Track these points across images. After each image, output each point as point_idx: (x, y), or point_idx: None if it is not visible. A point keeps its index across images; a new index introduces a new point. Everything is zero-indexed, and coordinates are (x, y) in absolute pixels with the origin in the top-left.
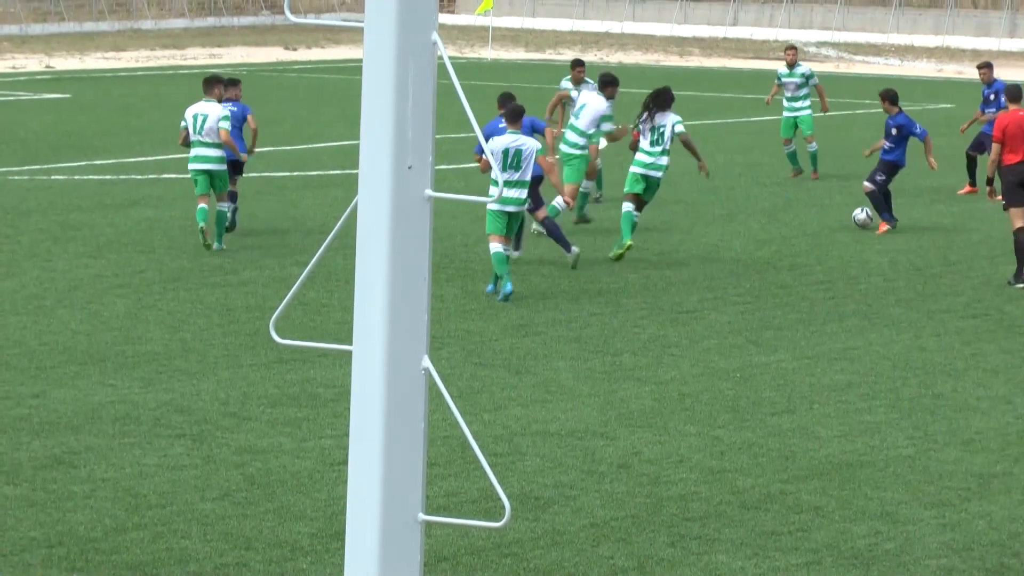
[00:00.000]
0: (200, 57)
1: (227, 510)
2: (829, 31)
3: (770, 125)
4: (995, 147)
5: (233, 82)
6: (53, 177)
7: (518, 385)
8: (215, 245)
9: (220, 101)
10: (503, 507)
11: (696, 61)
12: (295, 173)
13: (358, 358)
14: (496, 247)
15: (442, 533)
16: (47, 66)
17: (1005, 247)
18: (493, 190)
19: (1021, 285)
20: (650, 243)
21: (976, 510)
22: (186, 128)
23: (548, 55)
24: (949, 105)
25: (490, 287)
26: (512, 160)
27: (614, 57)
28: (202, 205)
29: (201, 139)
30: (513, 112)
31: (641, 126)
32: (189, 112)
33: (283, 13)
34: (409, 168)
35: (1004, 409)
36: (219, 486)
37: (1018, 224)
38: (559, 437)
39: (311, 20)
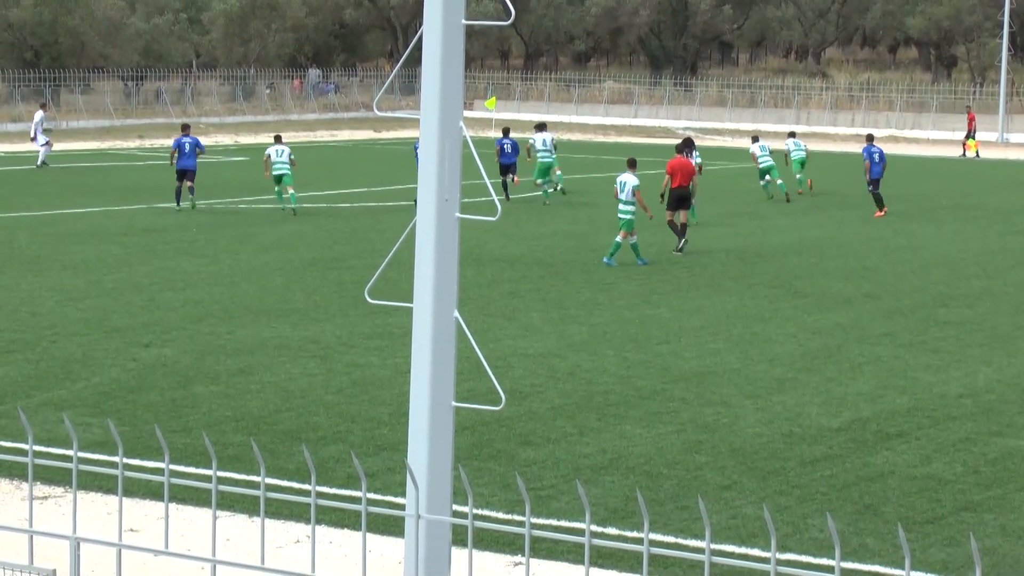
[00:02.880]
0: (324, 136)
1: (340, 399)
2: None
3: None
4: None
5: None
6: (240, 205)
7: (508, 327)
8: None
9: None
10: (500, 397)
11: (613, 138)
12: (381, 204)
13: (417, 311)
14: (619, 239)
15: (465, 413)
16: (235, 141)
17: (799, 246)
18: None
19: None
20: (588, 243)
21: (777, 400)
22: (268, 156)
23: (527, 134)
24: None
25: (606, 259)
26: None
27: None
28: (286, 190)
29: (280, 160)
30: (629, 162)
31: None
32: (271, 149)
33: (372, 110)
34: (446, 200)
35: (792, 341)
36: (335, 385)
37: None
38: (532, 357)
39: (388, 114)
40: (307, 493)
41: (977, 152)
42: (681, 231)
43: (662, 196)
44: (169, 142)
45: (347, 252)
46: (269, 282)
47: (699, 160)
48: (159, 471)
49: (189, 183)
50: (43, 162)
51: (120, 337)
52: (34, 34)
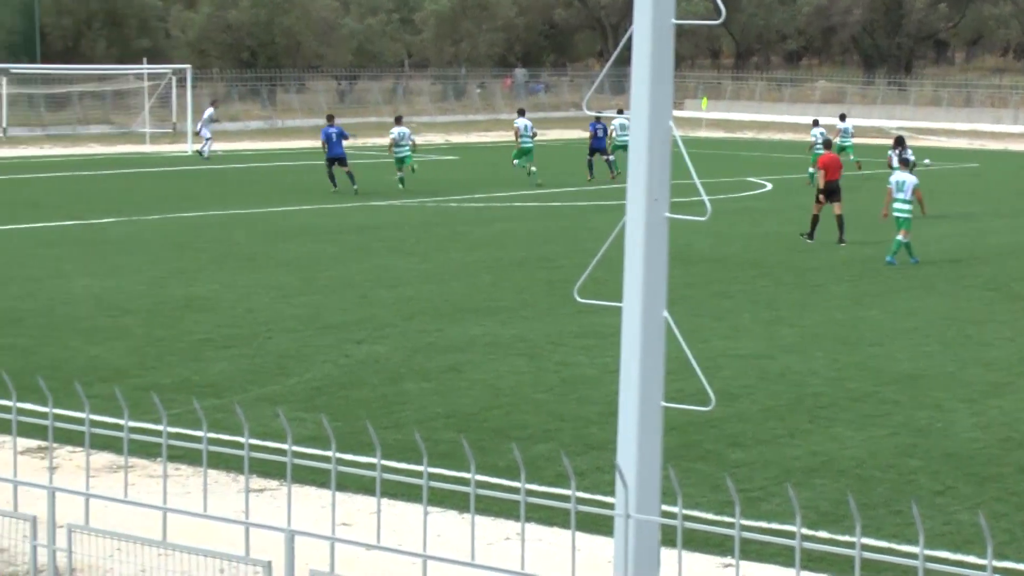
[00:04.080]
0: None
1: (549, 398)
2: None
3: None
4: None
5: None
6: (450, 204)
7: (717, 328)
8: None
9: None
10: (710, 398)
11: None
12: (590, 203)
13: (626, 310)
14: (900, 237)
15: (674, 413)
16: (446, 140)
17: (1017, 248)
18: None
19: None
20: (799, 244)
21: (993, 404)
22: (393, 139)
23: (736, 134)
24: None
25: (889, 258)
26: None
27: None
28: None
29: (400, 143)
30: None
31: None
32: (394, 130)
33: (582, 110)
34: (655, 200)
35: (1009, 345)
36: (544, 384)
37: None
38: (742, 358)
39: (598, 113)
40: (517, 491)
41: None
42: (838, 223)
43: (818, 192)
44: (383, 141)
45: (556, 251)
46: (478, 280)
47: (912, 158)
48: (371, 466)
49: (345, 169)
50: (205, 155)
51: (333, 334)
52: (251, 35)
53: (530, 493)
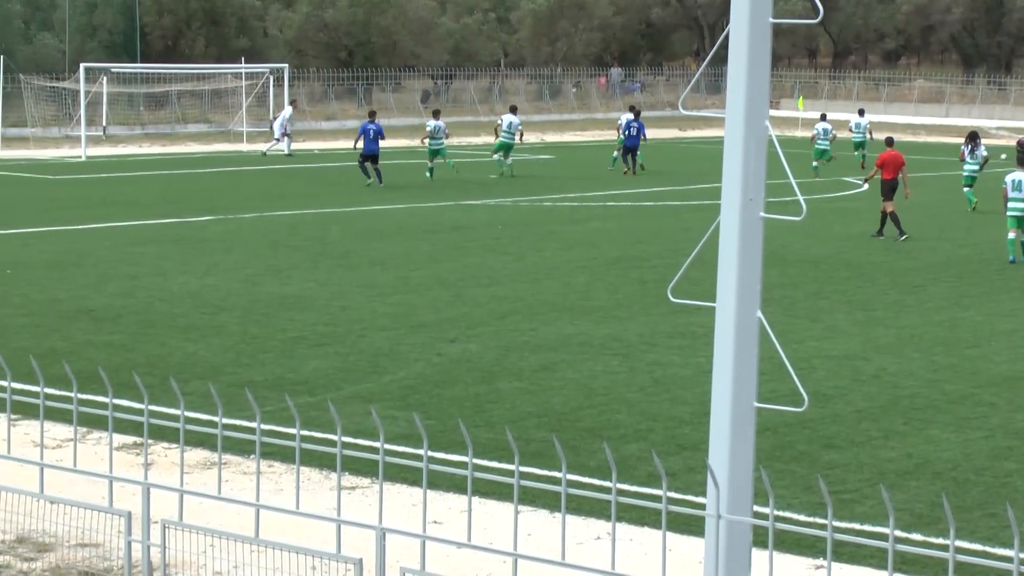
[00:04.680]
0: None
1: (641, 398)
2: None
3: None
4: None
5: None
6: (544, 203)
7: (812, 328)
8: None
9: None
10: (803, 399)
11: (923, 138)
12: (685, 203)
13: (720, 310)
14: (1011, 235)
15: (767, 414)
16: (541, 139)
17: None
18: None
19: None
20: (896, 244)
21: None
22: (429, 132)
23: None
24: None
25: (1011, 258)
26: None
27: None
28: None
29: (436, 136)
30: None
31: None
32: (430, 123)
33: (678, 109)
34: (750, 200)
35: None
36: (637, 383)
37: None
38: (836, 359)
39: (693, 113)
40: (608, 490)
41: None
42: (894, 219)
43: (865, 180)
44: (476, 140)
45: (650, 251)
46: (572, 279)
47: (986, 154)
48: (463, 465)
49: (374, 166)
50: (270, 152)
51: (426, 332)
52: (348, 34)
53: (621, 493)
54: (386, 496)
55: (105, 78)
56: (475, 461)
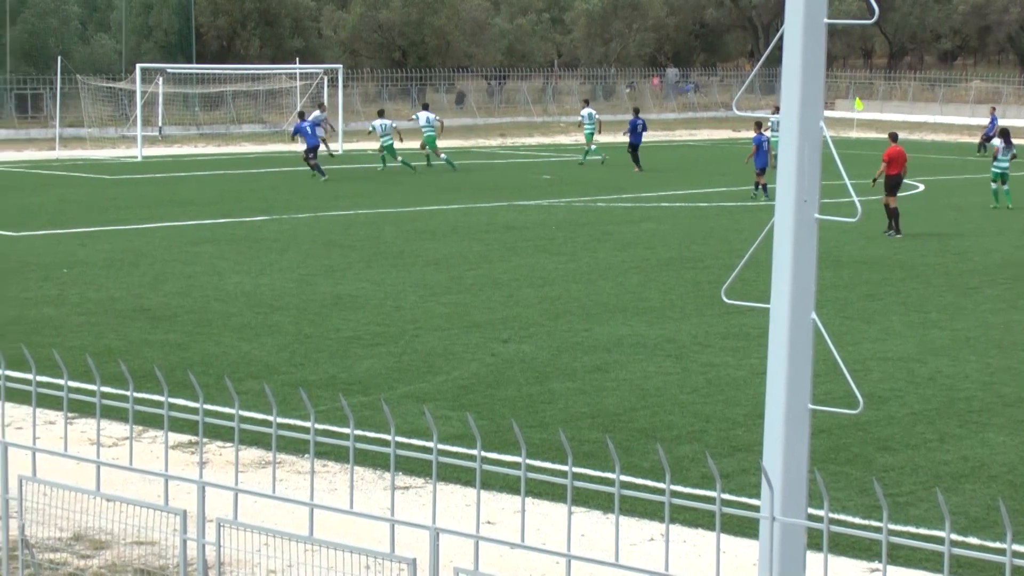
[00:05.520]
0: (683, 135)
1: (694, 399)
2: None
3: None
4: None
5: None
6: (597, 204)
7: (866, 330)
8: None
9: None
10: (858, 401)
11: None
12: (739, 204)
13: (774, 312)
14: None
15: (821, 416)
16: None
17: None
18: None
19: None
20: (952, 246)
21: None
22: (375, 131)
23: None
24: None
25: None
26: None
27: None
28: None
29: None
30: None
31: None
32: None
33: (732, 110)
34: (805, 202)
35: None
36: (690, 385)
37: None
38: (891, 361)
39: (748, 114)
40: (662, 492)
41: None
42: (894, 215)
43: (873, 181)
44: (530, 140)
45: (704, 252)
46: (626, 280)
47: (1014, 151)
48: (516, 465)
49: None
50: (330, 152)
51: (479, 332)
52: (402, 34)
53: (675, 494)
54: (439, 496)
55: (161, 79)
56: (528, 462)
